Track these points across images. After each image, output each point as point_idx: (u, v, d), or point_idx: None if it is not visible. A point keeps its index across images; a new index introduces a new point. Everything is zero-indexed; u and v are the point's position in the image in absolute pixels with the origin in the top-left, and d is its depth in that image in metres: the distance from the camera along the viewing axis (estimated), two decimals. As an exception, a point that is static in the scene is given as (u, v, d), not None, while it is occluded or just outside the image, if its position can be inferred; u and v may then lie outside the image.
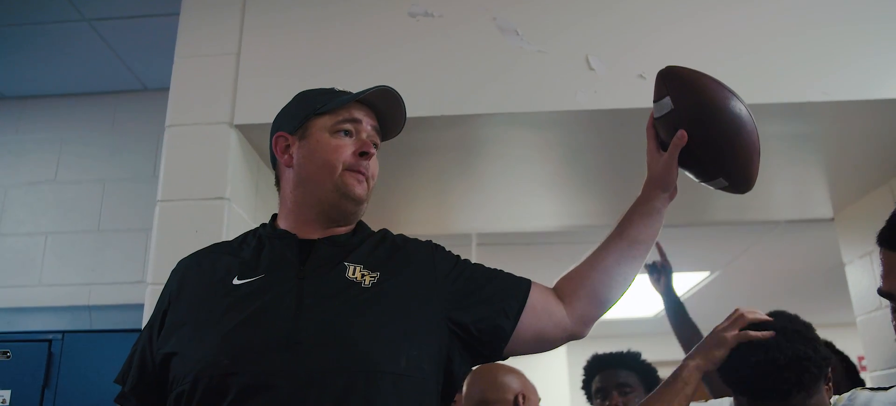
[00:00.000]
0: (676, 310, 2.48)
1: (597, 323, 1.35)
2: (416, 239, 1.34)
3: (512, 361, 1.42)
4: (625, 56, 1.96)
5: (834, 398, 1.35)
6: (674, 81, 1.32)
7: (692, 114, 1.29)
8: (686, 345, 2.42)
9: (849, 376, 2.02)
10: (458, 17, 2.03)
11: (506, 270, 1.33)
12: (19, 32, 2.56)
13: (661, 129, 1.34)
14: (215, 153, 1.95)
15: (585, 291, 1.31)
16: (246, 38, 2.06)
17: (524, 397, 1.78)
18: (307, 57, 2.03)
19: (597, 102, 1.93)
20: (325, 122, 1.27)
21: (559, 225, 3.16)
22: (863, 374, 2.24)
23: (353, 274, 1.20)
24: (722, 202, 2.81)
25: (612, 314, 1.37)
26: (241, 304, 1.16)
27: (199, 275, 1.27)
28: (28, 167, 2.84)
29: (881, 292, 1.00)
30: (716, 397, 2.10)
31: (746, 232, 4.04)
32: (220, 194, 1.91)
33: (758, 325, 1.38)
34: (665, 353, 2.58)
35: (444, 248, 1.34)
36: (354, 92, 1.30)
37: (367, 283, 1.19)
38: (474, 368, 1.85)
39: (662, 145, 1.35)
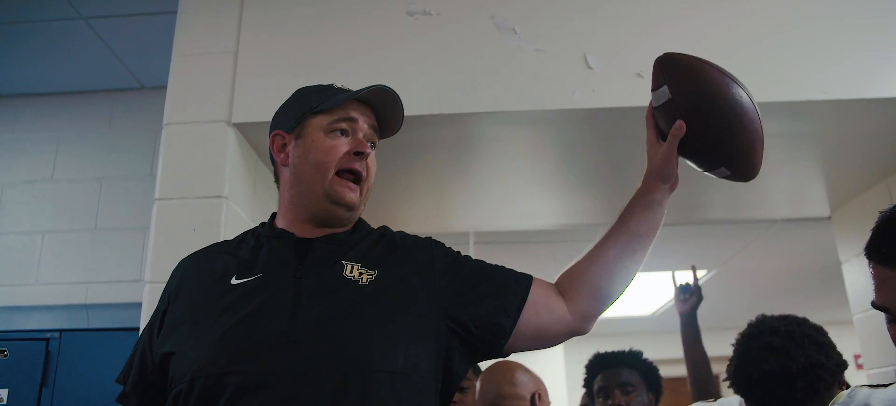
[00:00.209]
0: (693, 336, 2.48)
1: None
2: (415, 236, 1.33)
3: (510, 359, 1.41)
4: (622, 54, 1.96)
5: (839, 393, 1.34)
6: (671, 69, 1.28)
7: (691, 103, 1.25)
8: (693, 370, 2.42)
9: None
10: (455, 15, 2.03)
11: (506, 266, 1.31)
12: (16, 30, 2.55)
13: (659, 118, 1.30)
14: (213, 151, 1.95)
15: (586, 287, 1.28)
16: (244, 35, 2.06)
17: (540, 397, 1.75)
18: (305, 55, 2.03)
19: (594, 101, 1.93)
20: (320, 121, 1.26)
21: (557, 223, 3.16)
22: (859, 373, 2.25)
23: (351, 272, 1.19)
24: (719, 201, 2.82)
25: (609, 312, 1.35)
26: (238, 303, 1.16)
27: (197, 274, 1.27)
28: (25, 166, 2.84)
29: (875, 305, 0.99)
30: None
31: (743, 230, 4.04)
32: (218, 193, 1.91)
33: None
34: (663, 352, 2.59)
35: (443, 244, 1.32)
36: (353, 89, 1.29)
37: (364, 281, 1.19)
38: (489, 366, 1.84)
39: (662, 135, 1.31)
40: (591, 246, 1.33)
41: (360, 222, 1.33)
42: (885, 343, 2.41)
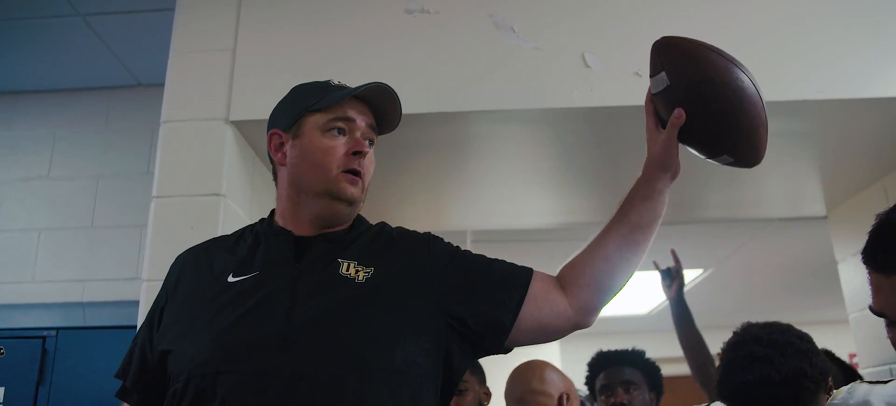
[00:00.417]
0: (684, 318, 2.50)
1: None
2: (413, 231, 1.32)
3: (508, 357, 1.39)
4: (621, 53, 1.96)
5: (833, 392, 1.34)
6: (669, 54, 1.23)
7: (690, 89, 1.21)
8: (690, 353, 2.44)
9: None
10: (454, 13, 2.03)
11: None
12: (12, 27, 2.54)
13: (659, 105, 1.26)
14: (211, 149, 1.95)
15: (587, 280, 1.25)
16: (242, 33, 2.06)
17: (568, 397, 1.72)
18: (303, 53, 2.03)
19: (593, 100, 1.93)
20: (317, 119, 1.24)
21: (555, 222, 3.17)
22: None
23: (347, 270, 1.19)
24: (715, 200, 2.83)
25: (606, 311, 1.33)
26: (234, 302, 1.16)
27: (195, 270, 1.27)
28: (21, 163, 2.83)
29: (873, 311, 0.99)
30: (712, 401, 2.11)
31: (740, 229, 4.05)
32: (216, 190, 1.91)
33: None
34: (659, 351, 2.60)
35: (441, 239, 1.31)
36: (350, 86, 1.28)
37: (360, 278, 1.18)
38: (520, 363, 1.83)
39: (662, 122, 1.27)
40: (578, 253, 1.30)
41: (359, 219, 1.32)
42: (881, 342, 2.42)
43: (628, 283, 1.29)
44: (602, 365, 2.39)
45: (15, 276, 2.67)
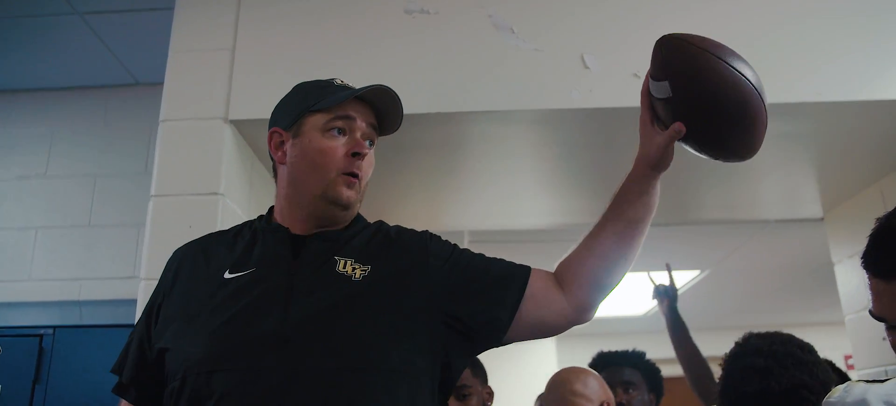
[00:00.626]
0: (679, 331, 2.51)
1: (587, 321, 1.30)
2: (411, 230, 1.32)
3: (498, 353, 1.38)
4: (619, 55, 1.97)
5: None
6: (672, 64, 1.19)
7: (693, 107, 1.18)
8: (686, 366, 2.45)
9: None
10: (453, 14, 2.04)
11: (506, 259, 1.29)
12: (10, 25, 2.54)
13: (657, 106, 1.23)
14: (209, 148, 1.95)
15: (584, 278, 1.24)
16: (241, 33, 2.06)
17: (608, 405, 1.74)
18: (302, 52, 2.03)
19: (591, 101, 1.93)
20: (318, 120, 1.24)
21: (553, 223, 3.17)
22: (851, 373, 2.26)
23: (344, 268, 1.19)
24: (712, 201, 2.83)
25: (602, 312, 1.32)
26: (230, 299, 1.16)
27: (192, 267, 1.27)
28: (18, 161, 2.82)
29: (873, 315, 0.98)
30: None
31: (737, 231, 4.06)
32: (214, 190, 1.91)
33: None
34: (655, 352, 2.60)
35: (439, 237, 1.31)
36: (352, 86, 1.29)
37: (357, 276, 1.18)
38: (560, 370, 1.84)
39: (658, 118, 1.24)
40: (573, 249, 1.29)
41: (357, 218, 1.32)
42: (877, 344, 2.43)
43: (625, 278, 1.28)
44: (602, 365, 2.40)
45: (12, 274, 2.66)
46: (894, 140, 2.20)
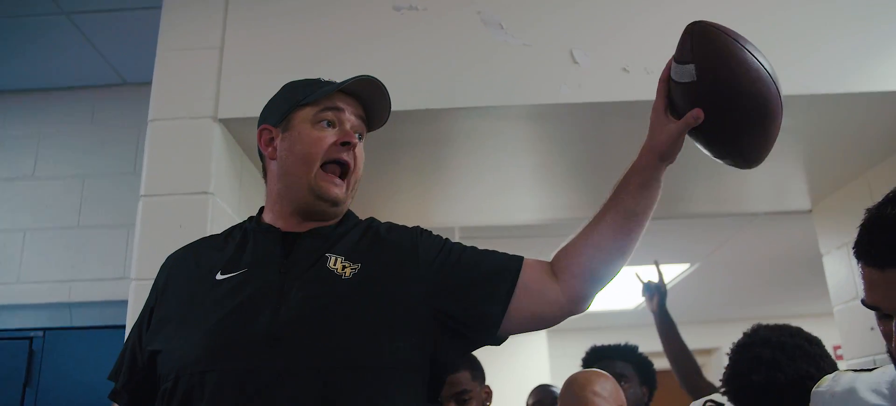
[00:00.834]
0: (667, 329, 2.52)
1: (578, 315, 1.28)
2: (402, 226, 1.32)
3: (489, 347, 1.37)
4: (609, 49, 1.97)
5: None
6: (704, 48, 1.15)
7: (717, 94, 1.13)
8: (675, 364, 2.47)
9: None
10: (442, 10, 2.04)
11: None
12: (-4, 26, 2.52)
13: (676, 93, 1.18)
14: (199, 147, 1.94)
15: (580, 268, 1.22)
16: (229, 31, 2.05)
17: None
18: (291, 50, 2.02)
19: (581, 96, 1.94)
20: (307, 113, 1.26)
21: (543, 218, 3.18)
22: (839, 363, 2.28)
23: (334, 265, 1.19)
24: (701, 194, 2.85)
25: (592, 306, 1.30)
26: (222, 299, 1.16)
27: (184, 270, 1.27)
28: (5, 163, 2.80)
29: (866, 304, 0.97)
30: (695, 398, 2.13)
31: (726, 224, 4.08)
32: (204, 189, 1.90)
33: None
34: (648, 345, 2.62)
35: (430, 232, 1.31)
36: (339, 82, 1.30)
37: (347, 274, 1.18)
38: (577, 372, 1.84)
39: (672, 107, 1.20)
40: (571, 239, 1.27)
41: (348, 215, 1.32)
42: (865, 334, 2.45)
43: (621, 270, 1.26)
44: (595, 358, 2.41)
45: (1, 277, 2.64)
46: (881, 132, 2.22)
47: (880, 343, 1.02)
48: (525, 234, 3.74)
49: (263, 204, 1.35)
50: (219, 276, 1.20)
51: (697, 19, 1.18)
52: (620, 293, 5.75)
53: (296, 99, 1.28)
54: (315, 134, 1.24)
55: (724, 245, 4.55)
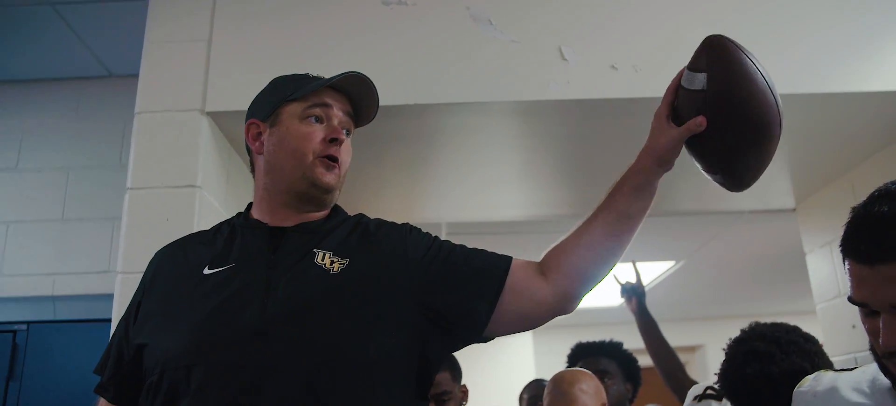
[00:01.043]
0: (649, 329, 2.54)
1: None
2: (391, 223, 1.33)
3: (475, 345, 1.38)
4: (597, 47, 1.98)
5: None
6: (719, 60, 1.17)
7: (722, 108, 1.15)
8: (658, 362, 2.48)
9: None
10: (430, 5, 2.04)
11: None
12: (-21, 16, 2.49)
13: (683, 99, 1.20)
14: (186, 141, 1.93)
15: (570, 268, 1.22)
16: (217, 24, 2.04)
17: None
18: (279, 44, 2.02)
19: (569, 93, 1.95)
20: (295, 108, 1.26)
21: (530, 214, 3.19)
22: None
23: (322, 260, 1.19)
24: (686, 192, 2.87)
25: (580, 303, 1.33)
26: (209, 294, 1.16)
27: (172, 265, 1.27)
28: (-12, 155, 2.77)
29: (853, 301, 0.97)
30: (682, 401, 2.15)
31: (711, 221, 4.11)
32: (191, 182, 1.90)
33: None
34: (629, 343, 2.64)
35: (419, 229, 1.31)
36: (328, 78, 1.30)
37: (335, 269, 1.18)
38: (563, 370, 1.89)
39: (675, 114, 1.21)
40: (563, 238, 1.28)
41: (337, 209, 1.33)
42: (847, 332, 2.48)
43: (611, 272, 1.28)
44: (579, 355, 2.43)
45: (-18, 269, 2.62)
46: (864, 132, 2.25)
47: (862, 341, 1.03)
48: (512, 231, 3.74)
49: (251, 199, 1.34)
50: (206, 271, 1.20)
51: (716, 33, 1.21)
52: (605, 291, 5.78)
53: (284, 94, 1.28)
54: (303, 129, 1.25)
55: (708, 243, 4.58)
